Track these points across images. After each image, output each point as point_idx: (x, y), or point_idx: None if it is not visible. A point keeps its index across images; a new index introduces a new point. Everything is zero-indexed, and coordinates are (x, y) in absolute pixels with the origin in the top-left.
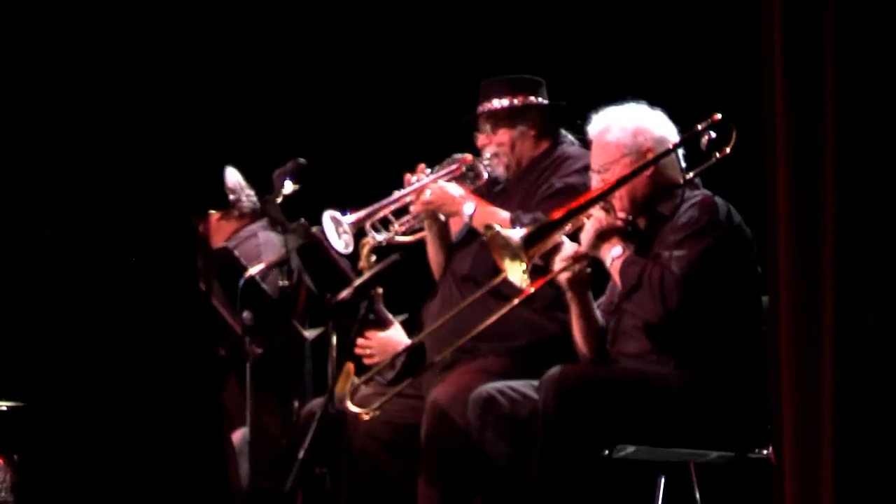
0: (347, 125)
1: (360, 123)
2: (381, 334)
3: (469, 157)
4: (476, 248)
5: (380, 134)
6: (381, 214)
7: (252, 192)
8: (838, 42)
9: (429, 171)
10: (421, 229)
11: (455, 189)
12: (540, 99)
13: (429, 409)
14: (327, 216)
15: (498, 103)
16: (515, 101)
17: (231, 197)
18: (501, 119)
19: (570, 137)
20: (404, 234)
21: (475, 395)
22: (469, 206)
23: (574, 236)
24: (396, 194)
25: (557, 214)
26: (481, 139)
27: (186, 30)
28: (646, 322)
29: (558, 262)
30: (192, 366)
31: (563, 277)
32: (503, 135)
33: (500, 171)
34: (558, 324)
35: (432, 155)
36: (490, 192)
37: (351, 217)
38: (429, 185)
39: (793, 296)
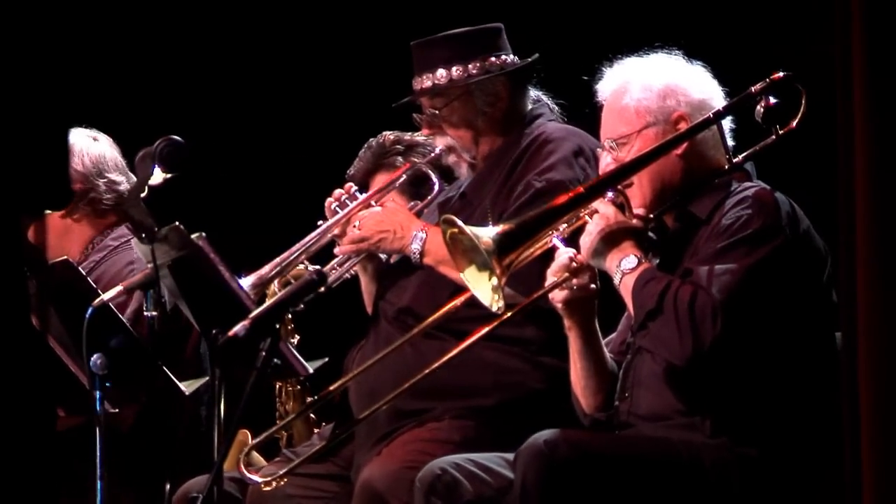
0: (245, 93)
1: (264, 90)
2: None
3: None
4: (419, 273)
5: (290, 103)
6: (291, 269)
7: (119, 179)
8: None
9: (354, 188)
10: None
11: (394, 217)
12: (503, 56)
13: (359, 493)
14: None
15: (444, 76)
16: (470, 69)
17: (78, 186)
18: (453, 98)
19: (548, 104)
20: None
21: (424, 473)
22: (417, 240)
23: (573, 241)
24: (312, 235)
25: (548, 208)
26: (427, 129)
27: None
28: (668, 366)
29: (550, 276)
30: (16, 434)
31: (558, 298)
32: (459, 122)
33: (460, 169)
34: (544, 375)
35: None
36: (445, 201)
37: (250, 279)
38: (356, 213)
39: (876, 333)
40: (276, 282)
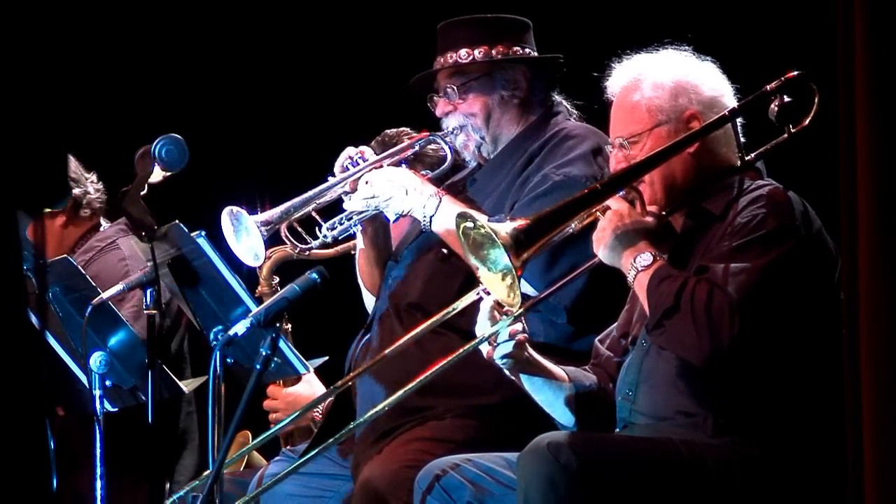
0: (251, 87)
1: (272, 84)
2: (290, 389)
3: (421, 132)
4: (430, 262)
5: (299, 98)
6: (301, 214)
7: (96, 183)
8: None
9: (368, 151)
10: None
11: (407, 177)
12: (527, 50)
13: (359, 492)
14: (225, 214)
15: (466, 55)
16: (493, 53)
17: (75, 190)
18: (472, 78)
19: (566, 105)
20: (333, 242)
21: (424, 474)
22: (430, 203)
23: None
24: (323, 186)
25: (563, 204)
26: (441, 106)
27: None
28: (679, 365)
29: (478, 331)
30: (14, 433)
31: (494, 355)
32: (474, 101)
33: (468, 151)
34: None
35: (369, 130)
36: (453, 183)
37: (261, 216)
38: (369, 171)
39: (878, 332)
40: (283, 228)
